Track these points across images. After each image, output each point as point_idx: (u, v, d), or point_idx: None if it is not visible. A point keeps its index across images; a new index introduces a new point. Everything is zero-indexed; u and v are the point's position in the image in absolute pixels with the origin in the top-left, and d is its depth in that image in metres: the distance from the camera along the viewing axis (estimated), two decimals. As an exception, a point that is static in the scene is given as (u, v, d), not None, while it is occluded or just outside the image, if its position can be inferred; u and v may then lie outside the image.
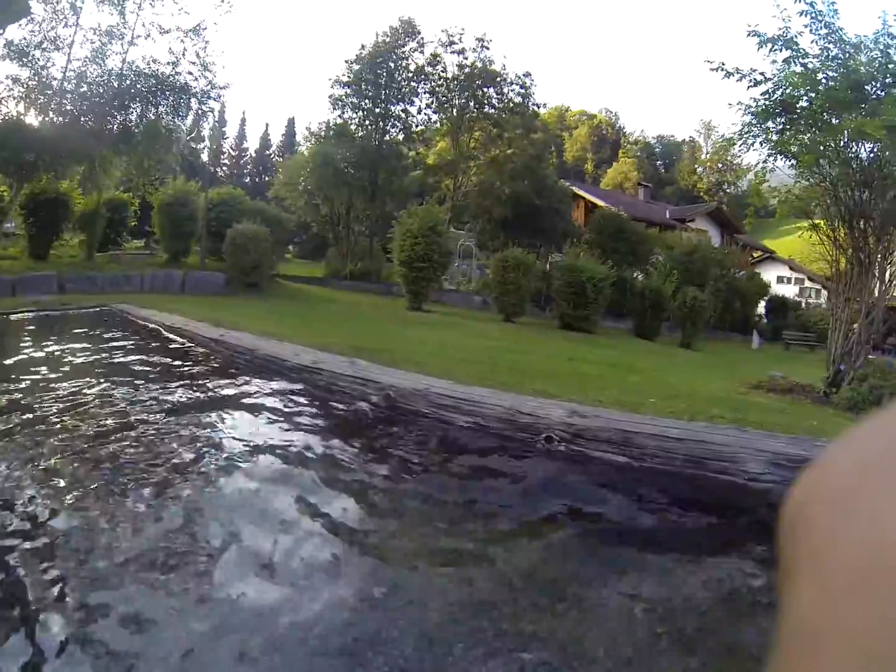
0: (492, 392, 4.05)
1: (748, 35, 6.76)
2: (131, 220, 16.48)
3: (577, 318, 12.70)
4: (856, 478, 0.16)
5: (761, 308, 23.06)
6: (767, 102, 6.86)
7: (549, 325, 13.24)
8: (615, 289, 13.41)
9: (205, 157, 22.01)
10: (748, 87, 6.92)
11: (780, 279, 32.23)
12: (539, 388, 4.23)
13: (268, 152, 50.52)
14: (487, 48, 24.81)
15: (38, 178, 12.39)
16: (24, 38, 11.87)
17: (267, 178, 44.06)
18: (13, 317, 7.48)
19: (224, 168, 47.45)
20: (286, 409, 3.88)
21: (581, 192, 29.24)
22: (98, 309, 8.25)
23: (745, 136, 7.38)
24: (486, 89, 24.46)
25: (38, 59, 12.11)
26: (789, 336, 19.57)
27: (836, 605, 0.14)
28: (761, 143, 7.47)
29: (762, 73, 6.79)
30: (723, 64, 6.87)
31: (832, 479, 0.17)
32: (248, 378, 4.53)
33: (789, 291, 28.53)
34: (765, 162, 7.74)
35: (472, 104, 24.51)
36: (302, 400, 4.06)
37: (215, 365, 5.08)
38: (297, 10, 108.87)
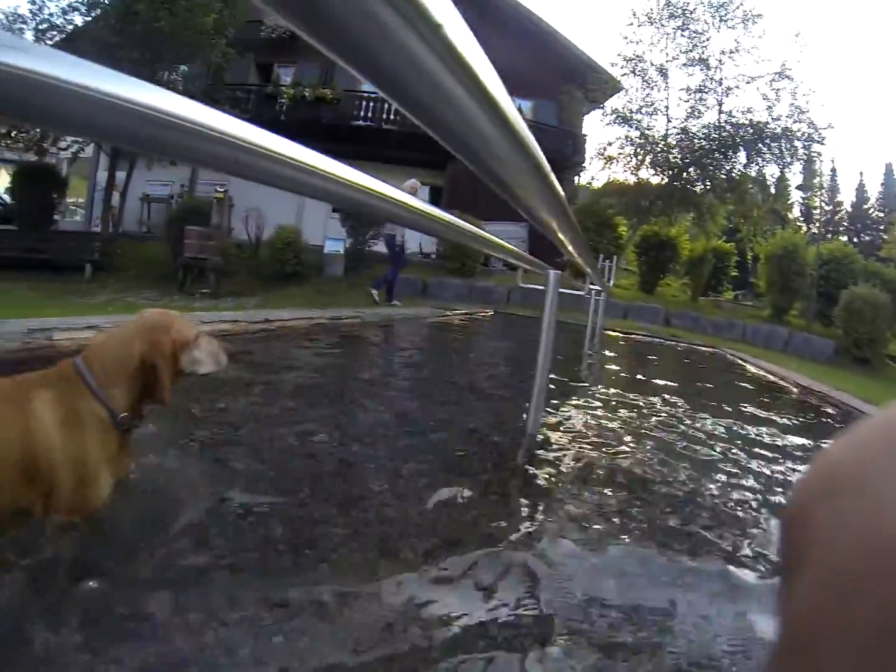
0: None
1: None
2: (731, 270, 16.50)
3: None
4: (858, 475, 0.16)
5: None
6: None
7: None
8: None
9: (797, 208, 20.30)
10: None
11: None
12: None
13: (865, 206, 42.47)
14: None
15: (652, 223, 14.07)
16: (625, 106, 14.14)
17: (867, 237, 37.32)
18: (632, 336, 8.56)
19: (817, 224, 42.77)
20: None
21: None
22: (710, 351, 8.22)
23: None
24: None
25: (640, 121, 14.07)
26: None
27: (836, 602, 0.14)
28: None
29: None
30: None
31: (834, 476, 0.17)
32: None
33: None
34: None
35: None
36: None
37: None
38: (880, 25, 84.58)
